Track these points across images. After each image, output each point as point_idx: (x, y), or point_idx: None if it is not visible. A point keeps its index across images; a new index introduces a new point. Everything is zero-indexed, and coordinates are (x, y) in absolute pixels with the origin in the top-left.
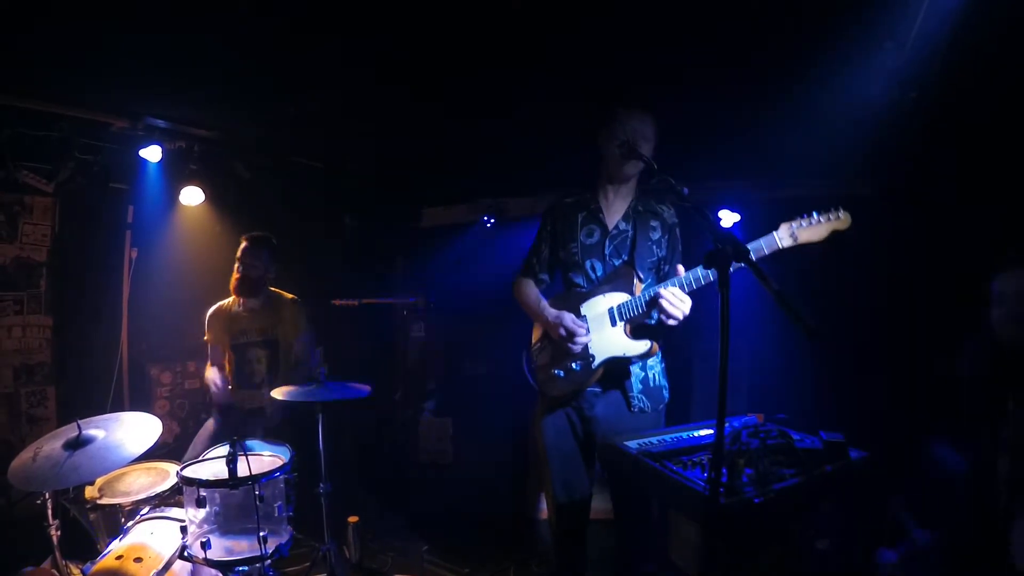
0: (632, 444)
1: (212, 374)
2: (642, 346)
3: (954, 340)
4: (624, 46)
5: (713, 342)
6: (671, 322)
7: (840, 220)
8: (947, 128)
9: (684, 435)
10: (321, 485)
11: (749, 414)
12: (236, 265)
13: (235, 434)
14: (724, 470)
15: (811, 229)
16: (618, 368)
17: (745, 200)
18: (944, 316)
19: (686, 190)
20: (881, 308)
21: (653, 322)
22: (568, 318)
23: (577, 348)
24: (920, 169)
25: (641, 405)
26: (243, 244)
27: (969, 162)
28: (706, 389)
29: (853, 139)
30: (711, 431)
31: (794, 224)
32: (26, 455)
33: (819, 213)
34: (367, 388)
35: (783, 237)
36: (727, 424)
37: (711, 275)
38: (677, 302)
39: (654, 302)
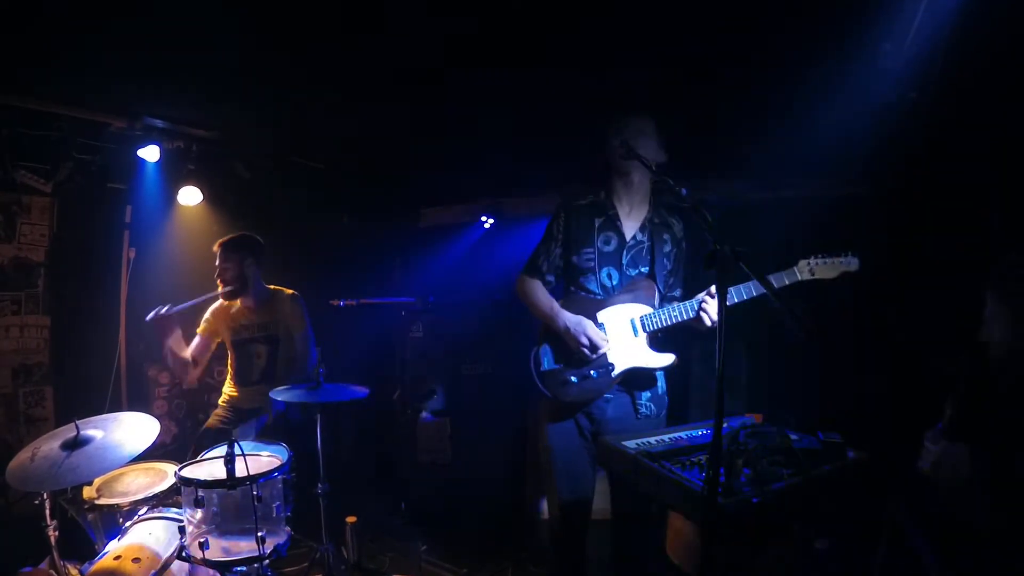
0: (630, 444)
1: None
2: (667, 359)
3: (952, 340)
4: (624, 47)
5: (711, 342)
6: (709, 324)
7: (851, 265)
8: (946, 128)
9: (682, 435)
10: (319, 485)
11: (747, 414)
12: (215, 276)
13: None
14: (722, 470)
15: (826, 268)
16: (636, 378)
17: (743, 201)
18: (942, 316)
19: (684, 191)
20: (879, 308)
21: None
22: (590, 327)
23: (595, 358)
24: (919, 169)
25: (647, 412)
26: (216, 251)
27: (968, 162)
28: (704, 389)
29: (853, 140)
30: (709, 431)
31: (812, 261)
32: (24, 455)
33: (833, 255)
34: (366, 389)
35: (802, 271)
36: (725, 424)
37: (752, 290)
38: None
39: (701, 311)
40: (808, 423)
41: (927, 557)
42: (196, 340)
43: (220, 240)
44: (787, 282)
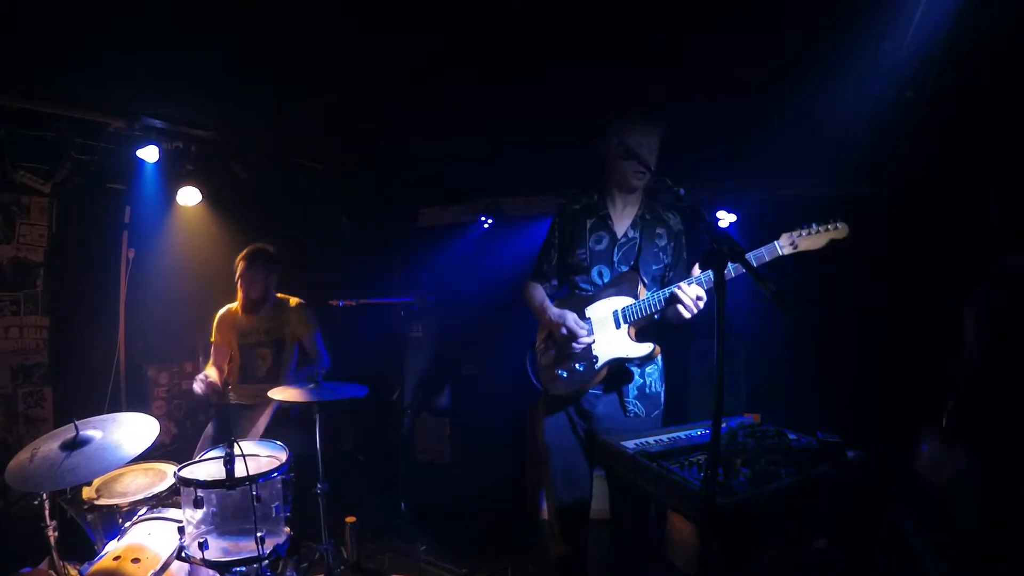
0: (629, 444)
1: (208, 372)
2: (645, 348)
3: (950, 340)
4: (623, 46)
5: (710, 342)
6: (687, 314)
7: (838, 230)
8: (945, 127)
9: (681, 435)
10: (318, 485)
11: (746, 414)
12: (238, 284)
13: (237, 432)
14: (720, 470)
15: (811, 238)
16: (620, 370)
17: (743, 200)
18: (941, 316)
19: (682, 191)
20: (878, 308)
21: (658, 318)
22: (571, 318)
23: (579, 348)
24: (918, 168)
25: (636, 410)
26: (241, 264)
27: (967, 161)
28: (703, 389)
29: (851, 139)
30: (708, 431)
31: (794, 234)
32: (23, 456)
33: (818, 224)
34: (364, 388)
35: (783, 245)
36: (724, 424)
37: (731, 272)
38: (693, 296)
39: (673, 299)
40: (806, 423)
41: (925, 557)
42: (214, 350)
43: (248, 251)
44: (767, 258)
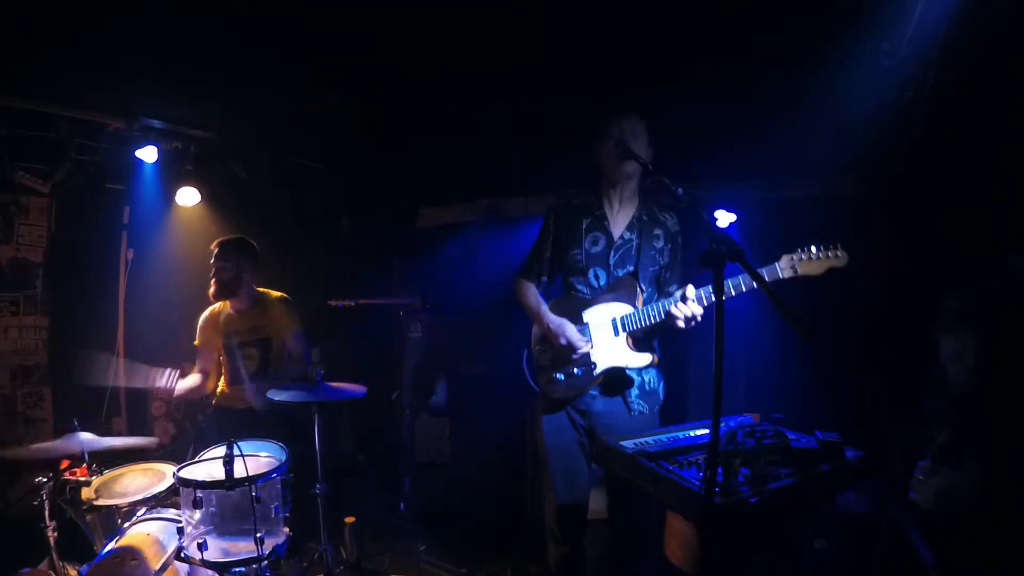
0: (628, 444)
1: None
2: (644, 358)
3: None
4: (623, 45)
5: (709, 342)
6: (682, 326)
7: (838, 258)
8: (943, 128)
9: (680, 435)
10: (318, 486)
11: (745, 414)
12: (211, 273)
13: (232, 435)
14: (720, 470)
15: (811, 264)
16: (618, 376)
17: (741, 201)
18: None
19: (680, 190)
20: (877, 308)
21: (657, 331)
22: (570, 329)
23: (577, 357)
24: (916, 169)
25: (640, 408)
26: (214, 250)
27: (967, 161)
28: (702, 389)
29: (850, 140)
30: (707, 431)
31: (795, 257)
32: None
33: (820, 248)
34: (364, 389)
35: (783, 268)
36: (723, 424)
37: (732, 290)
38: (689, 314)
39: (669, 317)
40: (806, 422)
41: (926, 556)
42: (197, 353)
43: (219, 240)
44: (766, 279)
